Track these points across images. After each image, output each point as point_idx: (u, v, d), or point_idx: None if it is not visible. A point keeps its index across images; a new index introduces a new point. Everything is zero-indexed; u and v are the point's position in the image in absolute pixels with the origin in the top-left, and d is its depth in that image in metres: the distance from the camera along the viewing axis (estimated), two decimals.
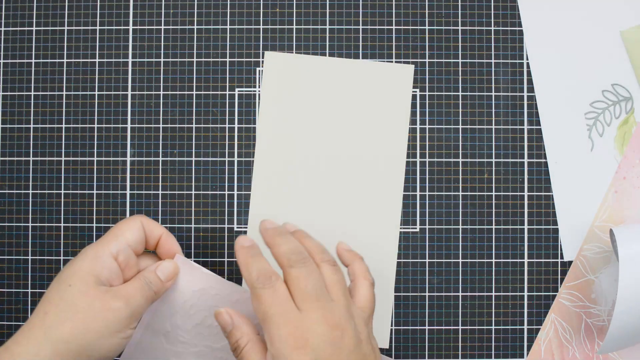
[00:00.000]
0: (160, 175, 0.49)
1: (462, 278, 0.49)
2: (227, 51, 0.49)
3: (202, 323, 0.41)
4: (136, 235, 0.40)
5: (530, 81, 0.49)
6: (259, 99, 0.49)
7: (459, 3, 0.49)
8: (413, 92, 0.49)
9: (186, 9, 0.50)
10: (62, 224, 0.49)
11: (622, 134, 0.49)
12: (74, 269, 0.38)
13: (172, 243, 0.42)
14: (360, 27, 0.49)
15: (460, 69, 0.49)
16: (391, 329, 0.49)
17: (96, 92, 0.49)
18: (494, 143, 0.49)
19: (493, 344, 0.49)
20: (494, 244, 0.49)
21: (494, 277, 0.49)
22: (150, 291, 0.39)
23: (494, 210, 0.49)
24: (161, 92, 0.49)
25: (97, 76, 0.49)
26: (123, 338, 0.38)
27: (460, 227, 0.49)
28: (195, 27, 0.50)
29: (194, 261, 0.50)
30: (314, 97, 0.49)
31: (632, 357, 0.48)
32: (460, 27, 0.49)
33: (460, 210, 0.49)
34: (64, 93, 0.49)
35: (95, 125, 0.49)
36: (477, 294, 0.49)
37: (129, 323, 0.38)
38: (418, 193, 0.49)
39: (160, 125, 0.49)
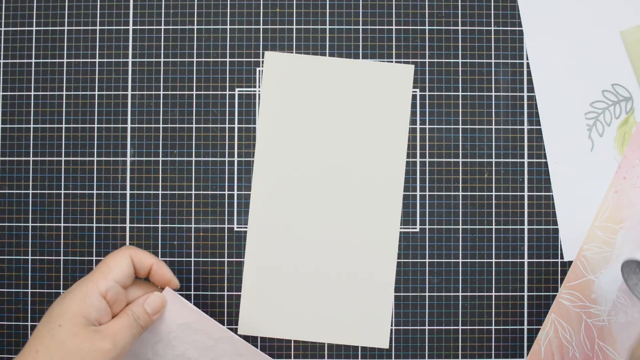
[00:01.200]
0: (160, 175, 0.49)
1: (462, 278, 0.49)
2: (227, 51, 0.49)
3: (182, 355, 0.43)
4: (125, 270, 0.41)
5: (530, 81, 0.49)
6: (259, 99, 0.49)
7: (459, 3, 0.49)
8: (413, 92, 0.49)
9: (186, 9, 0.50)
10: (62, 224, 0.49)
11: (622, 134, 0.49)
12: (64, 309, 0.38)
13: (164, 272, 0.43)
14: (360, 27, 0.49)
15: (460, 69, 0.49)
16: (391, 329, 0.49)
17: (96, 92, 0.49)
18: (494, 143, 0.49)
19: (493, 344, 0.49)
20: (494, 244, 0.49)
21: (494, 277, 0.49)
22: (137, 327, 0.40)
23: (494, 210, 0.49)
24: (161, 92, 0.49)
25: (97, 76, 0.49)
26: None
27: (460, 227, 0.49)
28: (195, 27, 0.50)
29: (195, 261, 0.50)
30: (314, 97, 0.49)
31: None
32: (460, 27, 0.49)
33: (460, 210, 0.49)
34: (64, 93, 0.49)
35: (95, 125, 0.49)
36: (477, 294, 0.49)
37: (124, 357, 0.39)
38: (418, 193, 0.49)
39: (160, 125, 0.49)
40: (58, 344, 0.37)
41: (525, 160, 0.49)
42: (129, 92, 0.49)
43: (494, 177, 0.49)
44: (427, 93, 0.49)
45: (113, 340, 0.38)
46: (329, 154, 0.48)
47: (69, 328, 0.38)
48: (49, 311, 0.39)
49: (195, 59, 0.49)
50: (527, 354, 0.49)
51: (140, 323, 0.40)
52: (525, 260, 0.49)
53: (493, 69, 0.49)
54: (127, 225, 0.49)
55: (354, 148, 0.48)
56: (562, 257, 0.49)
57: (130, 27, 0.50)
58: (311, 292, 0.48)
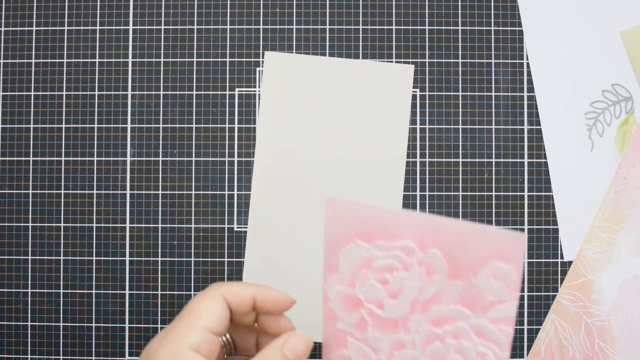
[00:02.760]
0: (160, 175, 0.49)
1: None
2: (227, 51, 0.49)
3: None
4: (217, 315, 0.32)
5: (530, 81, 0.49)
6: (259, 99, 0.49)
7: (459, 3, 0.49)
8: (413, 92, 0.49)
9: (186, 9, 0.50)
10: (62, 224, 0.49)
11: (622, 134, 0.49)
12: None
13: (273, 295, 0.34)
14: (360, 27, 0.49)
15: (460, 69, 0.49)
16: None
17: (96, 92, 0.49)
18: (494, 143, 0.49)
19: None
20: None
21: None
22: None
23: (494, 210, 0.49)
24: (161, 92, 0.49)
25: (97, 76, 0.49)
26: None
27: None
28: (195, 27, 0.50)
29: (195, 261, 0.50)
30: (314, 97, 0.49)
31: (632, 356, 0.48)
32: (460, 27, 0.49)
33: (460, 210, 0.49)
34: (64, 93, 0.49)
35: (95, 125, 0.49)
36: None
37: None
38: (418, 193, 0.49)
39: (160, 125, 0.49)
40: None
41: (525, 160, 0.49)
42: (129, 92, 0.49)
43: (494, 177, 0.49)
44: (427, 93, 0.49)
45: None
46: (329, 154, 0.48)
47: None
48: None
49: (195, 59, 0.49)
50: (527, 354, 0.49)
51: None
52: (525, 260, 0.49)
53: (493, 69, 0.49)
54: (127, 225, 0.49)
55: (354, 148, 0.48)
56: (562, 257, 0.49)
57: (130, 27, 0.50)
58: (311, 292, 0.48)
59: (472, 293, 0.31)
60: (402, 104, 0.49)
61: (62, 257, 0.49)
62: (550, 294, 0.49)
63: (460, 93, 0.49)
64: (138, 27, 0.50)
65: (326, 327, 0.35)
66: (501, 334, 0.31)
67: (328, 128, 0.48)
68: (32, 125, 0.49)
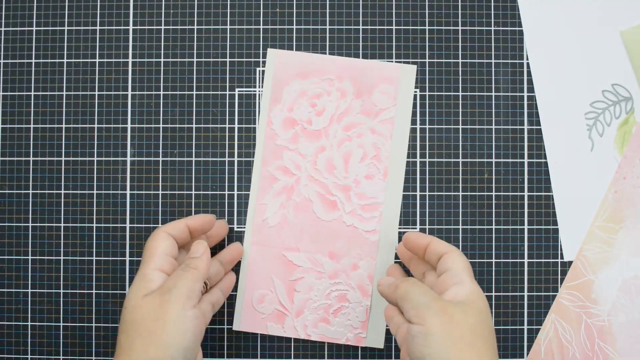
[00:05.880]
0: (161, 175, 0.49)
1: None
2: (227, 51, 0.49)
3: None
4: (167, 243, 0.42)
5: (530, 81, 0.49)
6: (260, 99, 0.49)
7: (459, 3, 0.49)
8: (414, 92, 0.49)
9: (186, 9, 0.50)
10: (62, 224, 0.49)
11: (622, 134, 0.49)
12: (128, 296, 0.39)
13: (201, 217, 0.44)
14: (360, 27, 0.49)
15: (460, 69, 0.49)
16: (387, 329, 0.49)
17: (96, 92, 0.49)
18: (494, 143, 0.49)
19: None
20: (494, 244, 0.49)
21: (494, 277, 0.49)
22: (190, 271, 0.40)
23: (494, 210, 0.49)
24: (161, 92, 0.49)
25: (97, 76, 0.49)
26: (187, 322, 0.38)
27: (460, 227, 0.49)
28: (195, 27, 0.50)
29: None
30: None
31: (632, 356, 0.48)
32: (460, 27, 0.49)
33: (460, 210, 0.49)
34: (64, 93, 0.49)
35: (96, 125, 0.49)
36: None
37: (185, 308, 0.38)
38: (418, 193, 0.49)
39: (161, 125, 0.49)
40: (128, 323, 0.38)
41: (525, 160, 0.49)
42: (129, 92, 0.49)
43: (494, 177, 0.49)
44: (427, 93, 0.49)
45: (170, 293, 0.38)
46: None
47: (132, 305, 0.38)
48: (125, 305, 0.39)
49: (195, 59, 0.49)
50: (527, 354, 0.49)
51: (192, 265, 0.40)
52: (525, 260, 0.49)
53: (493, 69, 0.49)
54: (127, 225, 0.49)
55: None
56: (562, 257, 0.49)
57: (130, 27, 0.50)
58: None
59: (369, 105, 0.49)
60: (404, 104, 0.49)
61: (62, 257, 0.49)
62: (550, 294, 0.49)
63: (460, 93, 0.49)
64: (138, 27, 0.50)
65: (267, 144, 0.49)
66: (387, 129, 0.48)
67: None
68: (32, 125, 0.49)
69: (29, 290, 0.49)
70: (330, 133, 0.48)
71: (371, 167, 0.48)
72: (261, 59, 0.49)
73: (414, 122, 0.49)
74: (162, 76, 0.49)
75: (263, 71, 0.49)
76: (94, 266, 0.49)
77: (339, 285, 0.48)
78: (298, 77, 0.48)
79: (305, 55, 0.49)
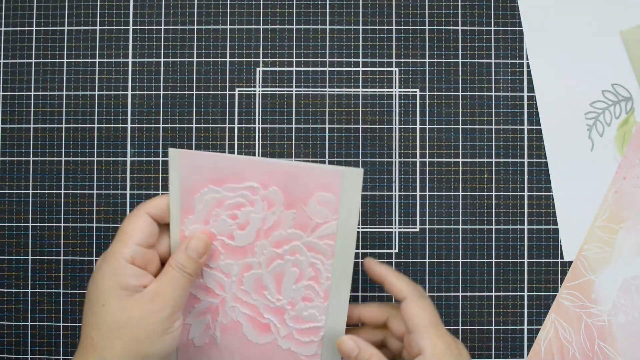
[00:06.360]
0: (161, 175, 0.49)
1: (462, 278, 0.49)
2: (227, 51, 0.49)
3: None
4: (145, 231, 0.38)
5: (530, 81, 0.49)
6: (259, 99, 0.49)
7: (459, 3, 0.49)
8: (413, 92, 0.49)
9: (186, 9, 0.50)
10: (62, 224, 0.49)
11: (622, 134, 0.49)
12: (100, 288, 0.37)
13: None
14: (360, 27, 0.49)
15: (460, 69, 0.49)
16: None
17: (96, 92, 0.49)
18: (494, 143, 0.49)
19: (493, 344, 0.49)
20: (494, 244, 0.49)
21: (494, 277, 0.49)
22: (184, 277, 0.38)
23: (494, 210, 0.49)
24: (161, 92, 0.49)
25: (97, 76, 0.49)
26: (173, 331, 0.37)
27: (460, 227, 0.49)
28: (195, 27, 0.50)
29: None
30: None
31: (632, 355, 0.48)
32: (460, 27, 0.49)
33: (460, 210, 0.49)
34: (64, 93, 0.49)
35: (95, 125, 0.49)
36: (477, 294, 0.49)
37: (174, 317, 0.37)
38: (418, 193, 0.49)
39: (160, 125, 0.49)
40: (108, 324, 0.36)
41: (525, 160, 0.49)
42: (129, 92, 0.49)
43: (494, 177, 0.49)
44: (427, 93, 0.49)
45: (161, 300, 0.37)
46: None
47: (113, 304, 0.36)
48: (87, 296, 0.37)
49: (195, 59, 0.49)
50: (527, 354, 0.49)
51: (187, 271, 0.38)
52: (525, 260, 0.49)
53: (493, 69, 0.49)
54: None
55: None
56: (562, 257, 0.49)
57: (130, 27, 0.50)
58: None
59: (303, 218, 0.39)
60: (348, 214, 0.39)
61: (62, 257, 0.49)
62: (550, 294, 0.49)
63: (460, 93, 0.49)
64: (138, 27, 0.50)
65: None
66: (327, 247, 0.40)
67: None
68: (32, 125, 0.49)
69: (29, 290, 0.49)
70: (257, 250, 0.40)
71: (309, 289, 0.40)
72: (261, 59, 0.49)
73: (414, 122, 0.49)
74: (162, 76, 0.49)
75: (263, 71, 0.49)
76: (94, 266, 0.49)
77: None
78: (211, 184, 0.39)
79: (216, 156, 0.39)
